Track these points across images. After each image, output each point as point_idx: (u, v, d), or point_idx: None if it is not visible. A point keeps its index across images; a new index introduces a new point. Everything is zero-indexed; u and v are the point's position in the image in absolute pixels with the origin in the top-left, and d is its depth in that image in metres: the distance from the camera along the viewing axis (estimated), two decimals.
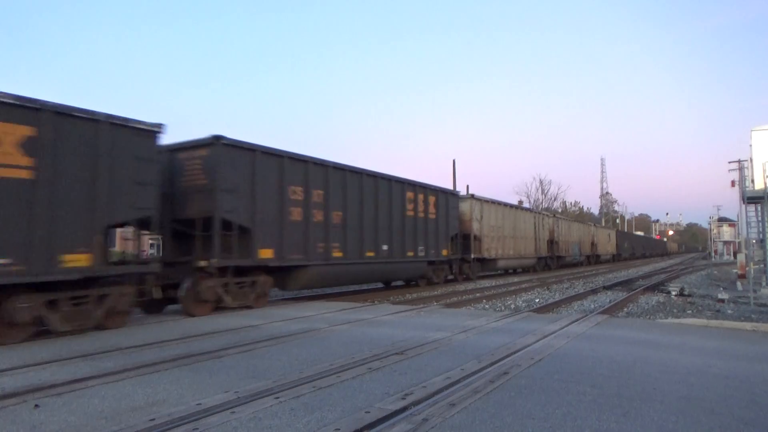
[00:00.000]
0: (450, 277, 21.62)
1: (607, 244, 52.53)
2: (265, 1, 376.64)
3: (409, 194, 17.51)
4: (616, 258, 56.79)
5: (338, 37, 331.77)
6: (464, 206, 22.68)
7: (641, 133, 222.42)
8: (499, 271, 29.12)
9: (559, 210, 76.04)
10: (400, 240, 16.75)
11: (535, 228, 31.38)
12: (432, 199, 19.03)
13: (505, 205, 27.91)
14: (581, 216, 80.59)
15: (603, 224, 75.98)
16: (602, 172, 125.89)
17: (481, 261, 23.89)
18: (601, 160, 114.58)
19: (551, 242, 34.46)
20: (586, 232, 44.99)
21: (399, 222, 16.77)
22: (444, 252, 19.81)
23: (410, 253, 17.36)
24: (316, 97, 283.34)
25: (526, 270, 31.82)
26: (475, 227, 23.11)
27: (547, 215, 35.27)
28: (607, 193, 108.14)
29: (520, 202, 55.62)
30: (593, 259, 46.77)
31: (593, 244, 46.66)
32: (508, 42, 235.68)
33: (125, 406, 4.35)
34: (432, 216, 18.92)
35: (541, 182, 79.62)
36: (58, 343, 7.26)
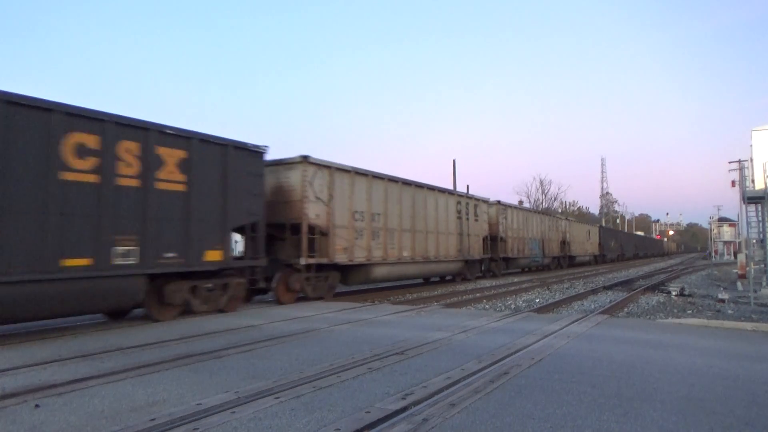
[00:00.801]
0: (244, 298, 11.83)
1: (585, 242, 44.34)
2: (266, 2, 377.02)
3: (83, 137, 8.27)
4: (599, 260, 48.08)
5: (339, 38, 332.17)
6: (292, 177, 13.31)
7: (641, 133, 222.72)
8: (378, 284, 18.22)
9: (559, 210, 75.94)
10: (38, 233, 7.66)
11: (460, 219, 21.60)
12: (174, 154, 9.70)
13: (391, 179, 16.81)
14: (581, 216, 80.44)
15: (603, 224, 75.68)
16: (602, 172, 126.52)
17: (342, 269, 14.79)
18: (601, 160, 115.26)
19: (495, 239, 25.81)
20: (553, 228, 36.00)
21: (36, 196, 7.69)
22: (214, 255, 10.40)
23: (83, 261, 8.17)
24: (316, 99, 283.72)
25: (443, 278, 22.36)
26: (313, 213, 13.38)
27: (486, 202, 25.29)
28: (607, 193, 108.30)
29: (521, 202, 55.26)
30: (564, 261, 38.20)
31: (564, 243, 38.15)
32: (508, 42, 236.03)
33: (125, 406, 4.35)
34: (176, 187, 9.71)
35: (541, 182, 79.50)
36: (58, 343, 7.26)
